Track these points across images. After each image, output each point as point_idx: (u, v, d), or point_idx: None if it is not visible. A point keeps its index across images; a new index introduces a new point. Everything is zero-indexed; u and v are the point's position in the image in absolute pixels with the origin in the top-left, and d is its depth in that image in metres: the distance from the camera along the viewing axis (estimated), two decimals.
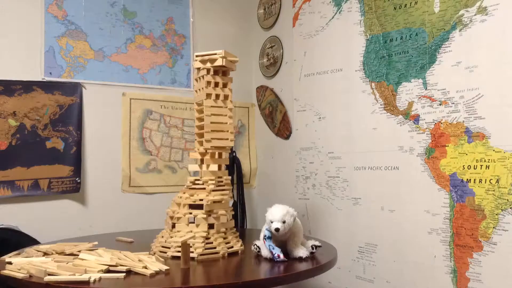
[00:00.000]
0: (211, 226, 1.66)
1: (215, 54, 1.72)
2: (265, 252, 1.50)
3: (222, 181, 1.79)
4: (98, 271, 1.31)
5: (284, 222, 1.50)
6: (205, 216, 1.64)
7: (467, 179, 1.69)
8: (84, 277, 1.25)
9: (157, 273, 1.34)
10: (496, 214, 1.59)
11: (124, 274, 1.32)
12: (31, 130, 2.31)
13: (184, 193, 1.74)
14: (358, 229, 2.16)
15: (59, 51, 2.43)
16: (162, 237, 1.71)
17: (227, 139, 1.76)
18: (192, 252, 1.55)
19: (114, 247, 1.68)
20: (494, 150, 1.60)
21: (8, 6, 2.31)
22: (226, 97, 1.77)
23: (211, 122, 1.74)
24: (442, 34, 1.78)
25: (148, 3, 2.70)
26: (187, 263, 1.44)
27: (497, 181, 1.59)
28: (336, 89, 2.31)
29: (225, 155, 1.82)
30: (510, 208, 1.55)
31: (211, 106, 1.74)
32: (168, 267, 1.38)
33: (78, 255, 1.51)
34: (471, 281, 1.66)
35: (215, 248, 1.60)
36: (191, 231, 1.63)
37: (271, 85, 2.87)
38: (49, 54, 2.40)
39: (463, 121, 1.71)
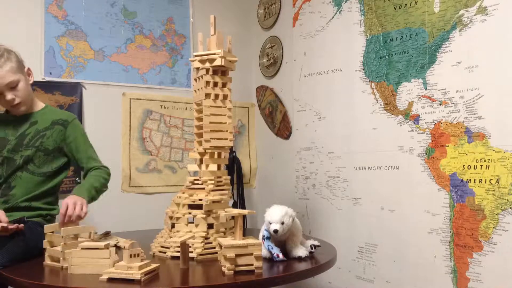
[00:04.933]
0: (210, 226, 1.66)
1: (214, 54, 1.72)
2: (264, 252, 1.50)
3: (221, 181, 1.79)
4: None
5: (282, 223, 1.50)
6: (204, 216, 1.64)
7: (467, 179, 1.69)
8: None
9: None
10: (496, 214, 1.59)
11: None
12: None
13: (183, 193, 1.74)
14: (358, 229, 2.16)
15: (59, 51, 2.43)
16: (162, 237, 1.71)
17: (227, 139, 1.76)
18: (192, 252, 1.55)
19: None
20: (494, 150, 1.60)
21: (8, 6, 2.31)
22: (225, 97, 1.77)
23: (210, 122, 1.74)
24: (442, 34, 1.78)
25: (148, 3, 2.70)
26: (187, 263, 1.44)
27: (497, 181, 1.59)
28: (336, 89, 2.31)
29: (225, 155, 1.82)
30: (510, 208, 1.55)
31: (210, 106, 1.74)
32: None
33: None
34: (471, 281, 1.66)
35: (214, 248, 1.60)
36: (191, 231, 1.63)
37: (271, 85, 2.86)
38: (49, 54, 2.40)
39: (463, 121, 1.70)
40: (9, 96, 1.72)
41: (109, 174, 1.90)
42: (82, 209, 1.60)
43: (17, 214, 1.70)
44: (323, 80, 2.40)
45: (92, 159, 1.90)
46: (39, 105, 1.90)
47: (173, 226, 1.69)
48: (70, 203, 1.59)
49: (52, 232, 1.52)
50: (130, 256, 1.31)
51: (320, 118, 2.42)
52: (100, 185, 1.81)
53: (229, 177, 1.84)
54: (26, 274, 1.36)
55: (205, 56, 1.74)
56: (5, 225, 1.52)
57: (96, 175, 1.84)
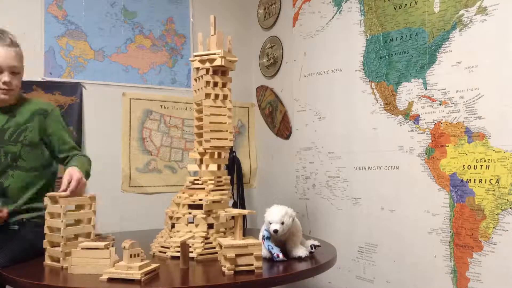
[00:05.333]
0: (210, 226, 1.66)
1: (214, 54, 1.72)
2: (264, 252, 1.50)
3: (221, 181, 1.79)
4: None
5: (282, 223, 1.50)
6: (204, 216, 1.64)
7: (467, 179, 1.69)
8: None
9: None
10: (496, 214, 1.59)
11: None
12: None
13: (183, 193, 1.74)
14: (358, 229, 2.16)
15: (59, 51, 2.43)
16: (162, 237, 1.71)
17: (226, 139, 1.76)
18: (192, 252, 1.55)
19: None
20: (494, 150, 1.60)
21: (8, 6, 2.31)
22: (225, 97, 1.77)
23: (210, 122, 1.74)
24: (442, 34, 1.78)
25: (148, 3, 2.70)
26: (187, 263, 1.44)
27: (497, 181, 1.59)
28: (336, 89, 2.31)
29: (225, 155, 1.82)
30: (510, 208, 1.55)
31: (210, 106, 1.74)
32: None
33: None
34: (471, 281, 1.66)
35: (214, 248, 1.60)
36: (191, 231, 1.63)
37: (271, 85, 2.86)
38: (49, 54, 2.40)
39: (463, 121, 1.70)
40: (7, 77, 1.66)
41: (91, 164, 1.89)
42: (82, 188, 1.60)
43: (18, 216, 1.70)
44: (323, 80, 2.40)
45: (74, 149, 1.86)
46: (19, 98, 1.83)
47: (173, 226, 1.69)
48: (75, 178, 1.58)
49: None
50: (130, 256, 1.31)
51: (320, 118, 2.42)
52: (89, 170, 1.82)
53: (229, 177, 1.84)
54: (26, 274, 1.36)
55: (205, 56, 1.74)
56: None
57: (86, 160, 1.82)
